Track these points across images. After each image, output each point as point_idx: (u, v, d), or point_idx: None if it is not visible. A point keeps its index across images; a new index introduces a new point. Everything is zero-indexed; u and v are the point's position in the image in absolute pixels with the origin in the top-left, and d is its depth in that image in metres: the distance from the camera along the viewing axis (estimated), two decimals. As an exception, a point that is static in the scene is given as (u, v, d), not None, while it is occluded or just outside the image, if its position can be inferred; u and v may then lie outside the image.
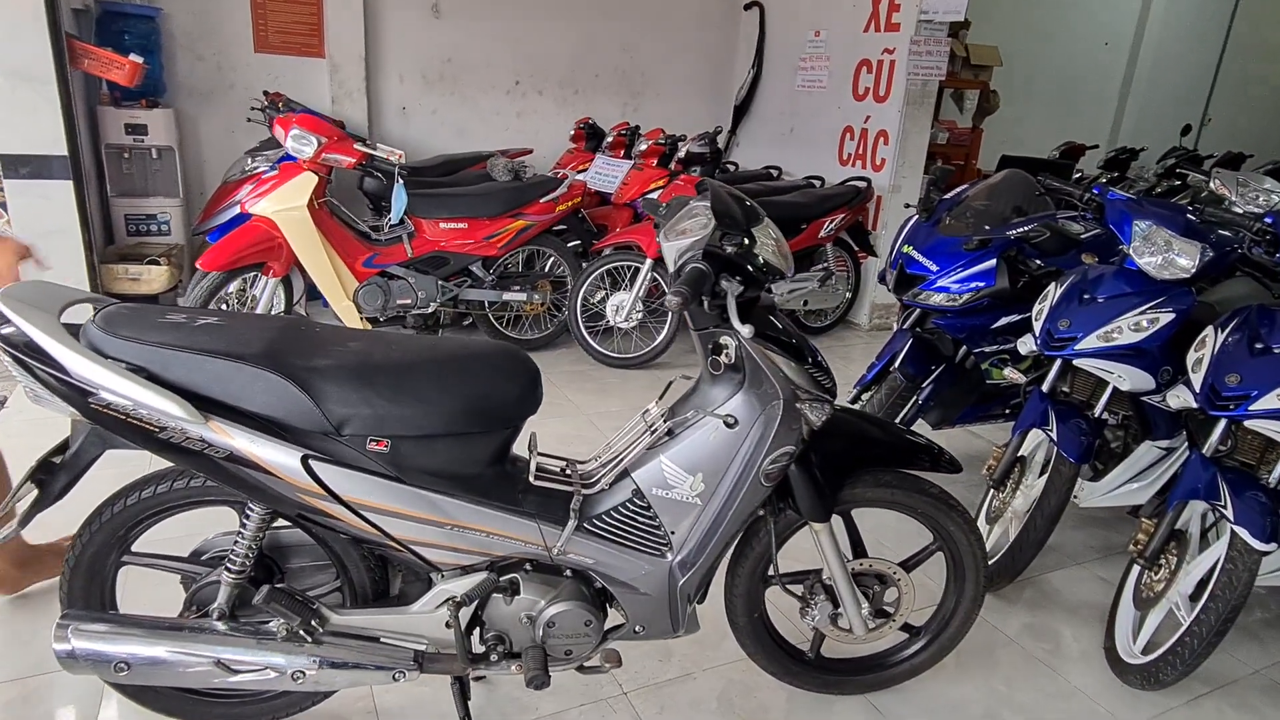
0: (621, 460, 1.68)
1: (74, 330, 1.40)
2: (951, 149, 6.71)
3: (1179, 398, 2.19)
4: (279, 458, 1.41)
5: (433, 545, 1.55)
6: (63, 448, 1.50)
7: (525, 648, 1.62)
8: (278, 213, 3.52)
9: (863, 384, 2.97)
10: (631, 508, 1.65)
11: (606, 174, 4.92)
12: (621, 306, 4.17)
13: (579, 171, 5.05)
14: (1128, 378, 2.27)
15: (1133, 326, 2.26)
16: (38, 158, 3.64)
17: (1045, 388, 2.43)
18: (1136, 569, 2.23)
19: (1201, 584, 2.02)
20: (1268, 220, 2.20)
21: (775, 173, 5.41)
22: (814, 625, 1.85)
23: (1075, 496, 2.56)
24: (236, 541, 1.54)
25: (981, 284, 2.65)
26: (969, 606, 1.92)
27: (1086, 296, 2.38)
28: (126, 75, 3.84)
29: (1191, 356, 2.12)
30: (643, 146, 4.69)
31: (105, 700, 1.81)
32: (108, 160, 4.40)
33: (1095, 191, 2.68)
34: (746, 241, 1.51)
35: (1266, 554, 1.85)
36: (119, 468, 1.60)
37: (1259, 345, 1.99)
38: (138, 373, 1.35)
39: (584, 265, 4.27)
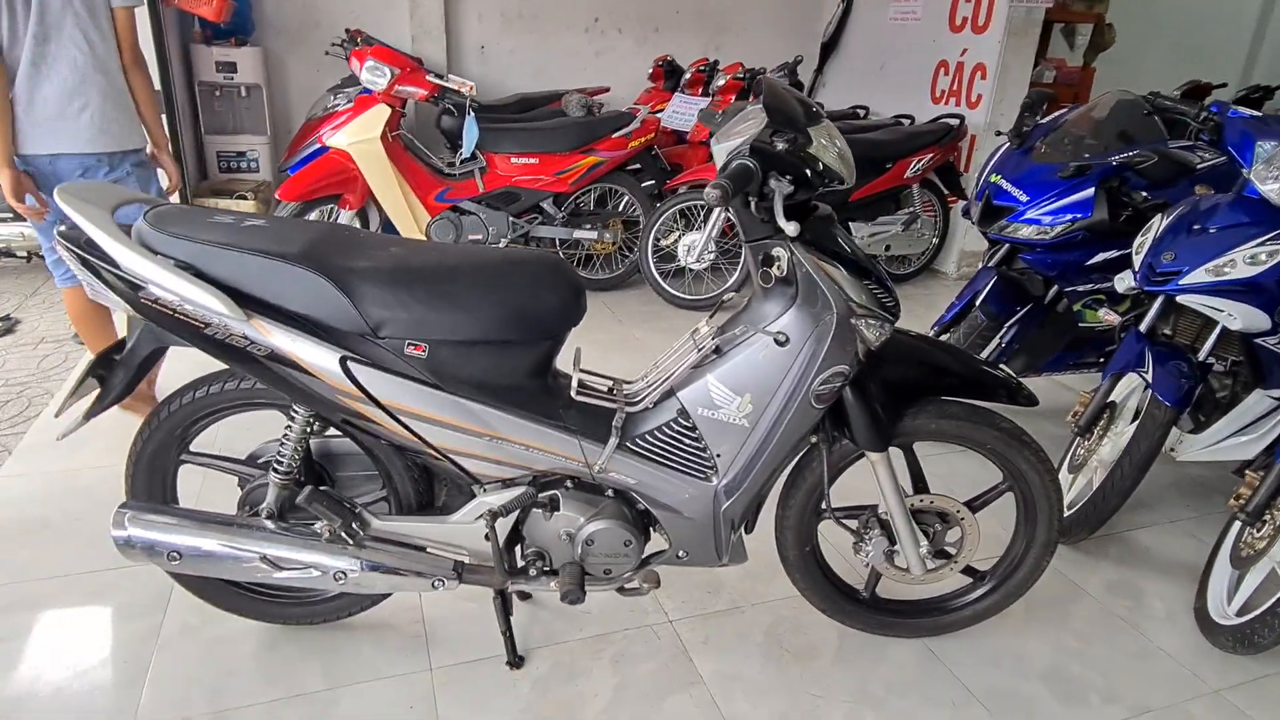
0: (667, 379, 1.62)
1: (127, 229, 1.43)
2: (1059, 89, 6.22)
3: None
4: (318, 358, 1.41)
5: (472, 456, 1.54)
6: (121, 345, 1.54)
7: (563, 563, 1.60)
8: (352, 145, 3.56)
9: (940, 324, 2.81)
10: (676, 428, 1.59)
11: (683, 112, 4.79)
12: (693, 246, 4.06)
13: (656, 111, 4.94)
14: (1240, 316, 2.05)
15: (1249, 259, 2.03)
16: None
17: (1143, 327, 2.23)
18: (1237, 525, 2.04)
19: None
20: (1225, 115, 1.93)
21: (862, 112, 5.14)
22: (868, 562, 1.76)
23: (1172, 449, 2.35)
24: (282, 444, 1.56)
25: (1077, 215, 2.43)
26: (1039, 552, 1.79)
27: (1196, 227, 2.15)
28: (215, 10, 3.91)
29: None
30: (720, 82, 4.53)
31: (173, 597, 1.89)
32: (201, 97, 4.55)
33: (1214, 110, 2.40)
34: (801, 140, 1.40)
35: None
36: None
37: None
38: (185, 269, 1.37)
39: (657, 205, 4.17)
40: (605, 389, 1.67)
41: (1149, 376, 2.08)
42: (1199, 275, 2.07)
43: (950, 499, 1.73)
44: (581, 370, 1.63)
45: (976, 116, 4.63)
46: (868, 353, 1.53)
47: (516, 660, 1.77)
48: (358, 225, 3.76)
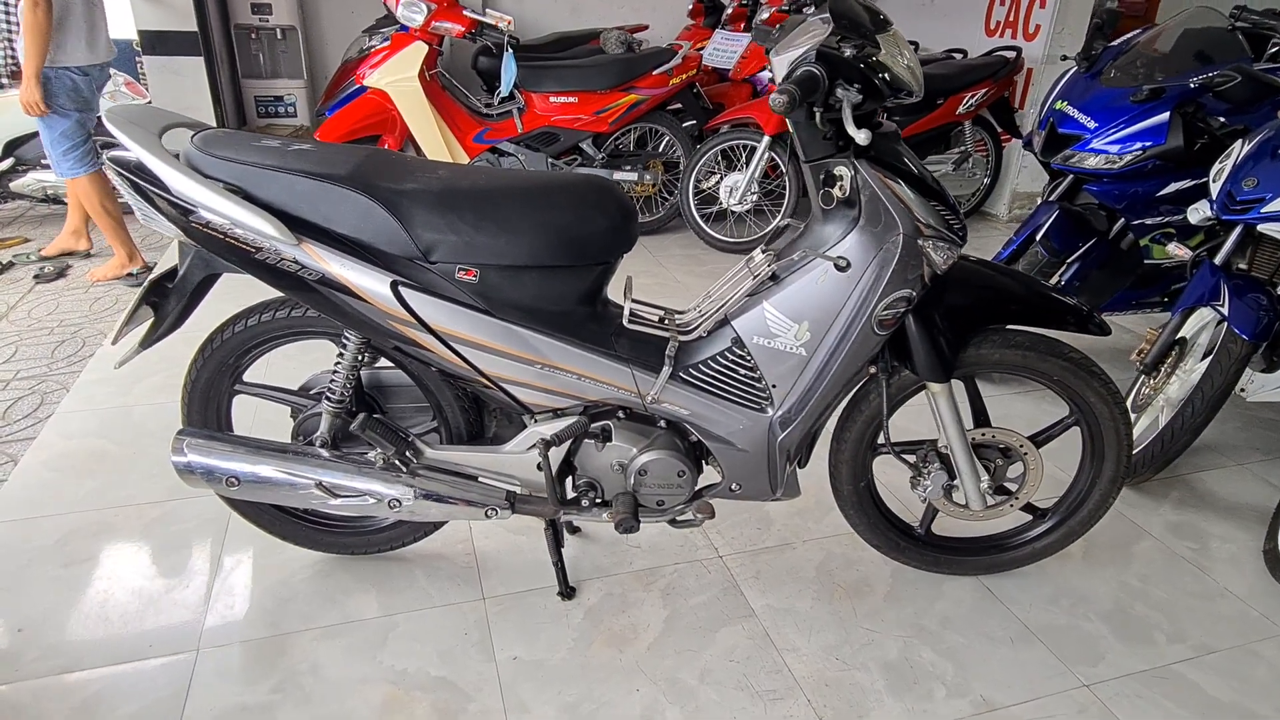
0: (721, 307, 1.57)
1: (175, 153, 1.41)
2: (1125, 21, 5.92)
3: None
4: (369, 283, 1.39)
5: (523, 384, 1.52)
6: (173, 272, 1.53)
7: (616, 494, 1.58)
8: (390, 84, 3.51)
9: (999, 260, 2.70)
10: (730, 357, 1.55)
11: (725, 49, 4.64)
12: (736, 188, 3.97)
13: (698, 49, 4.79)
14: (1325, 248, 1.94)
15: (1339, 184, 1.91)
16: (170, 34, 3.75)
17: (1219, 259, 2.12)
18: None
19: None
20: None
21: (913, 48, 4.93)
22: (925, 498, 1.72)
23: (1242, 390, 2.26)
24: (335, 371, 1.55)
25: (1148, 143, 2.31)
26: (1105, 489, 1.73)
27: (1278, 153, 2.03)
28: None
29: None
30: (764, 15, 4.35)
31: (230, 526, 1.92)
32: (237, 41, 4.52)
33: None
34: (869, 48, 1.32)
35: None
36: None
37: None
38: (234, 193, 1.35)
39: (698, 145, 4.07)
40: (657, 318, 1.63)
41: (1225, 310, 1.99)
42: (1275, 205, 1.96)
43: (1013, 432, 1.68)
44: (633, 299, 1.60)
45: (1034, 49, 4.41)
46: (933, 277, 1.46)
47: (568, 591, 1.78)
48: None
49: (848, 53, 1.31)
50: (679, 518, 1.66)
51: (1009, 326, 1.61)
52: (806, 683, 1.58)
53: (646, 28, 5.09)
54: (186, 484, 1.55)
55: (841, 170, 1.42)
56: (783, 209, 3.98)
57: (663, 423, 1.61)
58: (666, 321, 1.63)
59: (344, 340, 1.54)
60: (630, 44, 4.21)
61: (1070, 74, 2.55)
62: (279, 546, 1.82)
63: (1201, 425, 2.01)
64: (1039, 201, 2.73)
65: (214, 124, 3.97)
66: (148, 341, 1.54)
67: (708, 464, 1.65)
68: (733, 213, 4.06)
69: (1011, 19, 4.58)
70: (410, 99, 3.52)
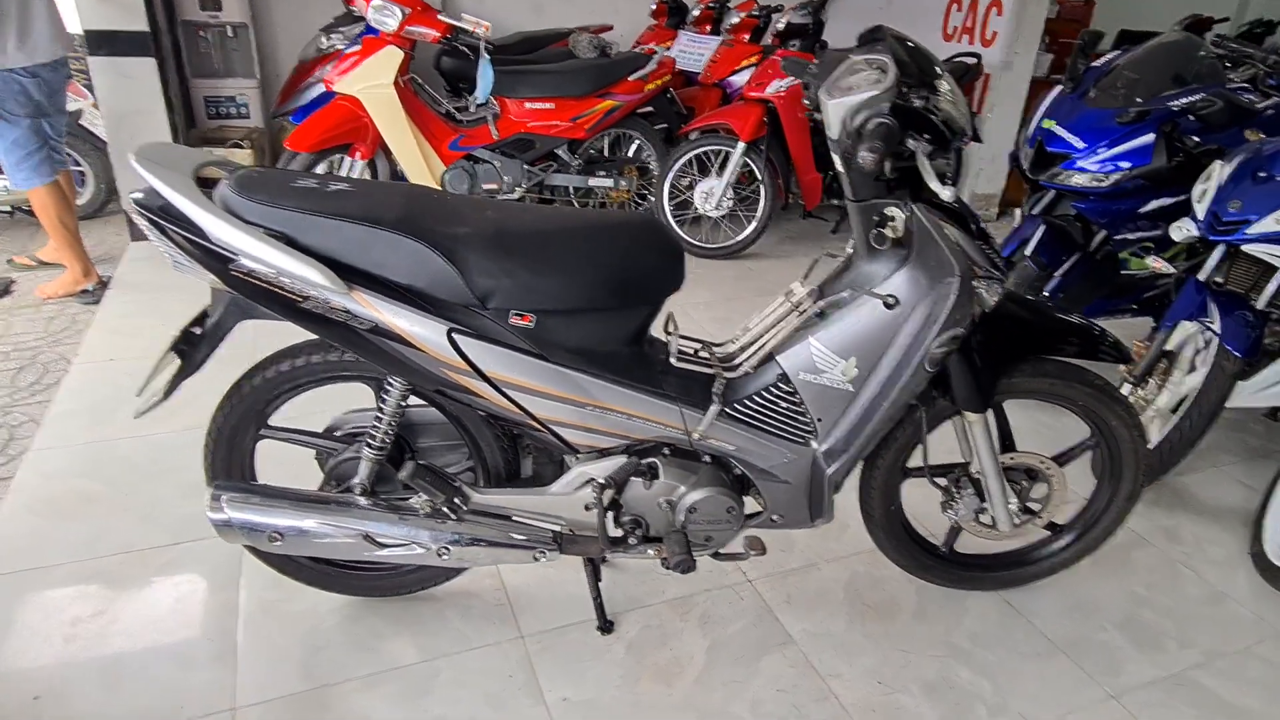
0: (765, 342, 1.58)
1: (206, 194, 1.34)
2: (1061, 24, 6.14)
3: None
4: (424, 331, 1.35)
5: (574, 426, 1.50)
6: (202, 318, 1.46)
7: (667, 532, 1.58)
8: (363, 90, 3.39)
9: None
10: (776, 393, 1.56)
11: (692, 51, 4.64)
12: (711, 193, 3.99)
13: (662, 47, 4.77)
14: (1307, 268, 2.06)
15: (1320, 209, 2.03)
16: (119, 34, 3.54)
17: (1203, 276, 2.23)
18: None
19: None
20: None
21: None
22: (956, 520, 1.77)
23: (1218, 395, 2.38)
24: (376, 418, 1.50)
25: (1134, 163, 2.40)
26: (1122, 505, 1.81)
27: (1262, 175, 2.14)
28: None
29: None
30: (733, 20, 4.38)
31: (245, 570, 1.85)
32: (185, 38, 4.30)
33: None
34: (933, 97, 1.34)
35: None
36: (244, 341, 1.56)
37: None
38: (277, 239, 1.29)
39: (671, 150, 4.07)
40: (698, 352, 1.63)
41: (1216, 328, 2.09)
42: (1268, 224, 2.07)
43: (1039, 455, 1.74)
44: (678, 334, 1.59)
45: (992, 55, 4.54)
46: (980, 314, 1.50)
47: (607, 625, 1.77)
48: (368, 176, 3.62)
49: (916, 103, 1.33)
50: (723, 550, 1.66)
51: (1038, 355, 1.66)
52: (855, 709, 1.61)
53: (611, 28, 5.04)
54: (225, 540, 1.48)
55: (894, 211, 1.44)
56: (757, 215, 4.01)
57: (707, 457, 1.61)
58: (709, 357, 1.63)
59: (386, 386, 1.49)
60: (603, 47, 4.17)
61: (1057, 93, 2.63)
62: (300, 590, 1.76)
63: (1199, 437, 2.12)
64: (1019, 215, 2.83)
65: (167, 129, 3.78)
66: (173, 387, 1.46)
67: (748, 495, 1.66)
68: (708, 218, 4.08)
69: (969, 24, 4.70)
70: (384, 106, 3.41)
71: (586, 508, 1.57)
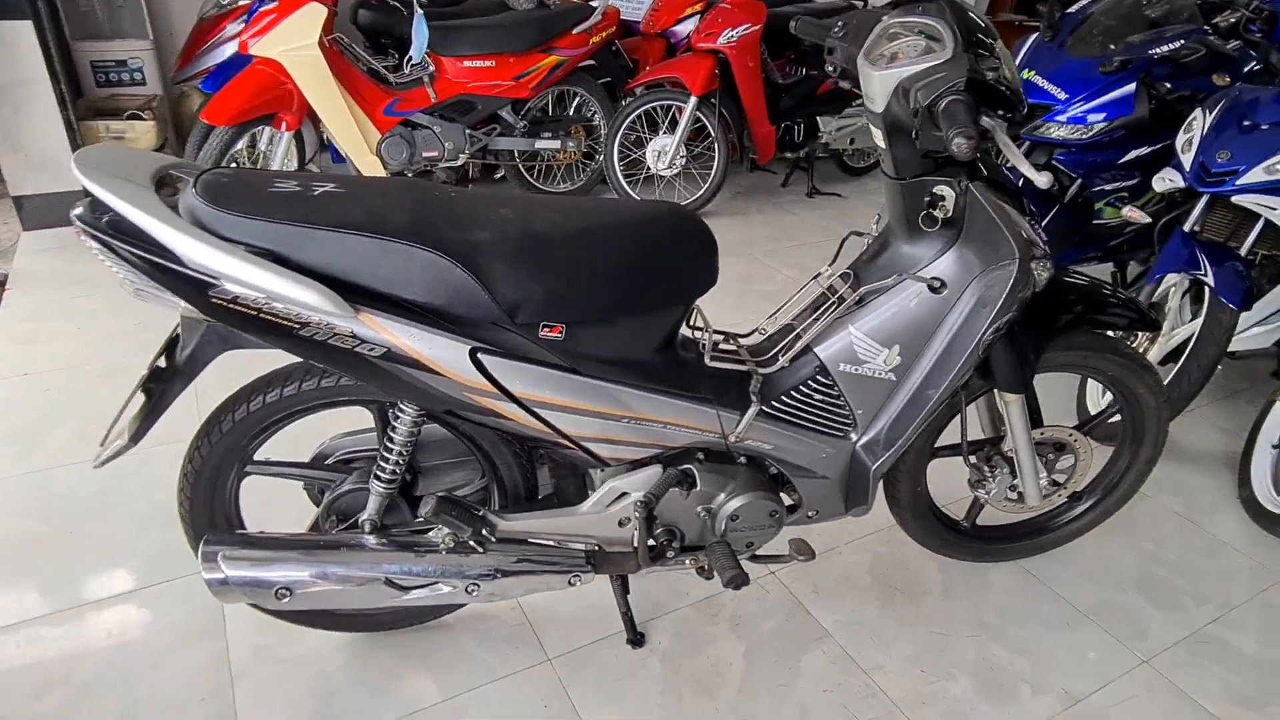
0: (800, 333, 1.48)
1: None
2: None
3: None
4: (444, 353, 1.18)
5: (607, 440, 1.36)
6: (171, 348, 1.25)
7: (710, 544, 1.48)
8: (285, 53, 3.06)
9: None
10: (814, 386, 1.47)
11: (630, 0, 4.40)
12: (664, 151, 3.83)
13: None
14: (1294, 215, 2.08)
15: (1306, 157, 2.04)
16: (-15, -7, 3.09)
17: (1189, 227, 2.23)
18: (1276, 414, 2.13)
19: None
20: None
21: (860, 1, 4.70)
22: (988, 499, 1.73)
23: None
24: (386, 448, 1.34)
25: (1116, 113, 2.37)
26: (1141, 469, 1.81)
27: (1247, 123, 2.14)
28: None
29: None
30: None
31: (228, 614, 1.66)
32: (62, -4, 3.80)
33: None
34: (1000, 66, 1.23)
35: None
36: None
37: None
38: (265, 256, 1.09)
39: (618, 106, 3.87)
40: (724, 347, 1.51)
41: (1210, 280, 2.10)
42: (1257, 174, 2.07)
43: (1065, 428, 1.70)
44: (711, 331, 1.47)
45: (934, -3, 4.45)
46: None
47: (637, 638, 1.67)
48: (295, 149, 3.30)
49: (989, 75, 1.21)
50: (764, 553, 1.58)
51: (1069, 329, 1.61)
52: (904, 703, 1.57)
53: (539, -26, 4.72)
54: (223, 601, 1.30)
55: (944, 190, 1.33)
56: (712, 173, 3.87)
57: (742, 459, 1.51)
58: (739, 351, 1.51)
59: (397, 413, 1.32)
60: (540, -2, 3.89)
61: (1033, 41, 2.57)
62: (296, 630, 1.59)
63: (1197, 391, 2.14)
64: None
65: (53, 100, 3.35)
66: (140, 432, 1.25)
67: (784, 493, 1.58)
68: (660, 177, 3.92)
69: (909, -34, 4.59)
70: (310, 70, 3.09)
71: (621, 524, 1.45)
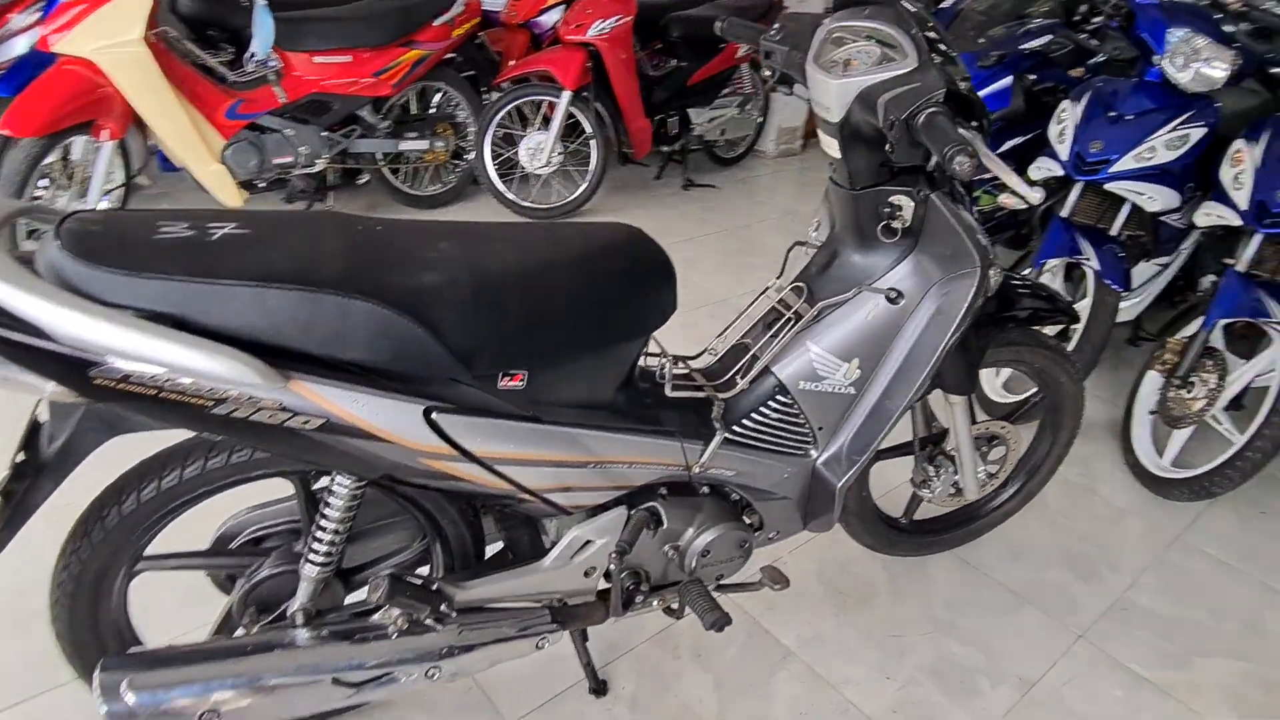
0: (757, 354, 1.41)
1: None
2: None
3: (1209, 215, 2.18)
4: (393, 417, 1.02)
5: (570, 489, 1.24)
6: (33, 438, 1.01)
7: (684, 584, 1.38)
8: (101, 51, 2.65)
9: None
10: (774, 406, 1.40)
11: (486, -13, 4.17)
12: (539, 149, 3.66)
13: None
14: (1158, 198, 2.24)
15: (1167, 144, 2.20)
16: None
17: (1065, 213, 2.36)
18: (1150, 383, 2.29)
19: (1237, 397, 2.12)
20: (1133, 3, 2.14)
21: None
22: (933, 496, 1.74)
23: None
24: (320, 526, 1.15)
25: (993, 107, 2.47)
26: (1061, 451, 1.88)
27: (1113, 114, 2.28)
28: None
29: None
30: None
31: None
32: None
33: None
34: (963, 71, 1.20)
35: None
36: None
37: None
38: (161, 321, 0.89)
39: (487, 102, 3.67)
40: (686, 375, 1.42)
41: (1095, 264, 2.22)
42: (1127, 162, 2.21)
43: (999, 422, 1.74)
44: (670, 358, 1.37)
45: (787, -14, 4.53)
46: (983, 298, 1.42)
47: (599, 686, 1.56)
48: (119, 160, 2.88)
49: (963, 86, 1.17)
50: (731, 582, 1.51)
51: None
52: (879, 716, 1.56)
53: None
54: (129, 738, 1.07)
55: (902, 200, 1.30)
56: (590, 170, 3.75)
57: (705, 488, 1.43)
58: (697, 377, 1.43)
59: (333, 488, 1.13)
60: (392, -14, 3.59)
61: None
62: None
63: (1091, 369, 2.27)
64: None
65: None
66: (3, 540, 1.01)
67: (744, 516, 1.51)
68: (536, 176, 3.76)
69: (761, -44, 4.64)
70: (134, 71, 2.69)
71: (587, 574, 1.33)
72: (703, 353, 1.49)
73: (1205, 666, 1.73)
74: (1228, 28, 2.22)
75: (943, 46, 1.21)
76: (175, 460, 1.10)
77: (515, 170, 3.75)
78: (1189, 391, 2.17)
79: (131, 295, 0.89)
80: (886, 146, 1.20)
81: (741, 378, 1.40)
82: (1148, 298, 2.59)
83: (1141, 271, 2.54)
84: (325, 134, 3.24)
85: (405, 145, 3.48)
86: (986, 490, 1.82)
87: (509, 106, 3.61)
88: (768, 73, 1.47)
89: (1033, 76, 2.61)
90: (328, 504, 1.14)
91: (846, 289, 1.38)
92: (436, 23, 3.37)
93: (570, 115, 3.63)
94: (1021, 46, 2.44)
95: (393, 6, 3.29)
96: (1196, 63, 2.17)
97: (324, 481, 1.18)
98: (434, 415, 1.05)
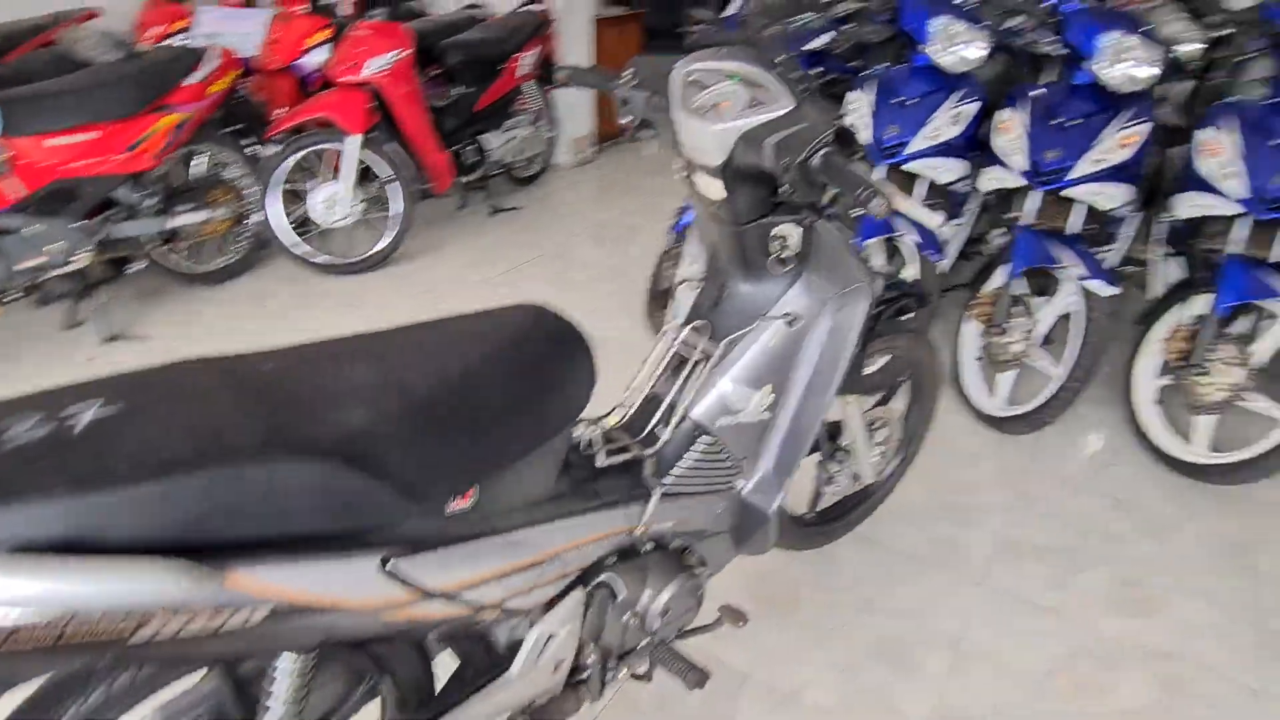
0: (674, 401, 1.39)
1: None
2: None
3: (992, 179, 2.45)
4: (348, 579, 0.89)
5: (530, 590, 1.16)
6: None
7: (652, 649, 1.35)
8: None
9: (680, 228, 2.84)
10: (700, 450, 1.41)
11: (230, 31, 3.79)
12: (334, 200, 3.41)
13: (173, 34, 3.83)
14: (951, 170, 2.48)
15: (950, 121, 2.44)
16: None
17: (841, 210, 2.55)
18: (974, 334, 2.55)
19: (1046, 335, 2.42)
20: (1063, 9, 2.44)
21: (480, 14, 4.32)
22: (839, 490, 1.83)
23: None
24: (270, 710, 0.99)
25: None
26: (929, 417, 2.04)
27: (897, 99, 2.49)
28: None
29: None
30: (348, 9, 3.68)
31: None
32: None
33: None
34: (835, 106, 1.24)
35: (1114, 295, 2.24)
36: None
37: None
38: (40, 550, 0.72)
39: (264, 157, 3.36)
40: (611, 439, 1.38)
41: (915, 238, 2.42)
42: (919, 142, 2.43)
43: (884, 408, 1.86)
44: (597, 429, 1.32)
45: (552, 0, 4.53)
46: (863, 306, 1.49)
47: (575, 768, 1.49)
48: None
49: (846, 122, 1.20)
50: (687, 628, 1.49)
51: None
52: (842, 710, 1.61)
53: (98, 14, 3.85)
54: None
55: (788, 229, 1.33)
56: (394, 216, 3.54)
57: (648, 545, 1.40)
58: (615, 437, 1.39)
59: (272, 675, 0.97)
60: (123, 42, 3.17)
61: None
62: None
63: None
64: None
65: None
66: None
67: (688, 562, 1.50)
68: (334, 231, 3.50)
69: (523, -30, 4.60)
70: None
71: (556, 668, 1.26)
72: (614, 410, 1.45)
73: (1083, 581, 1.96)
74: (979, 11, 2.50)
75: (802, 86, 1.24)
76: (71, 694, 0.90)
77: (311, 227, 3.47)
78: (1007, 336, 2.44)
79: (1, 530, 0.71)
80: (784, 188, 1.22)
81: (663, 428, 1.38)
82: (953, 256, 2.87)
83: (942, 234, 2.81)
84: (79, 224, 2.81)
85: (179, 220, 3.10)
86: (880, 471, 1.94)
87: (292, 159, 3.33)
88: (625, 119, 1.45)
89: (819, 68, 2.79)
90: (270, 692, 0.98)
91: (747, 321, 1.40)
92: (188, 82, 3.01)
93: (361, 161, 3.40)
94: (805, 47, 2.61)
95: (131, 71, 2.90)
96: (957, 45, 2.42)
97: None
98: (390, 565, 0.93)
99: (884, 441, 1.91)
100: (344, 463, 0.86)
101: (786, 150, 1.14)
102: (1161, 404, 2.37)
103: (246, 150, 3.43)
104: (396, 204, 3.53)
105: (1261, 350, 2.14)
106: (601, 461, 1.29)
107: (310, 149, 3.35)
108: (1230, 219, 2.16)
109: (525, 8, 4.36)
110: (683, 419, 1.38)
